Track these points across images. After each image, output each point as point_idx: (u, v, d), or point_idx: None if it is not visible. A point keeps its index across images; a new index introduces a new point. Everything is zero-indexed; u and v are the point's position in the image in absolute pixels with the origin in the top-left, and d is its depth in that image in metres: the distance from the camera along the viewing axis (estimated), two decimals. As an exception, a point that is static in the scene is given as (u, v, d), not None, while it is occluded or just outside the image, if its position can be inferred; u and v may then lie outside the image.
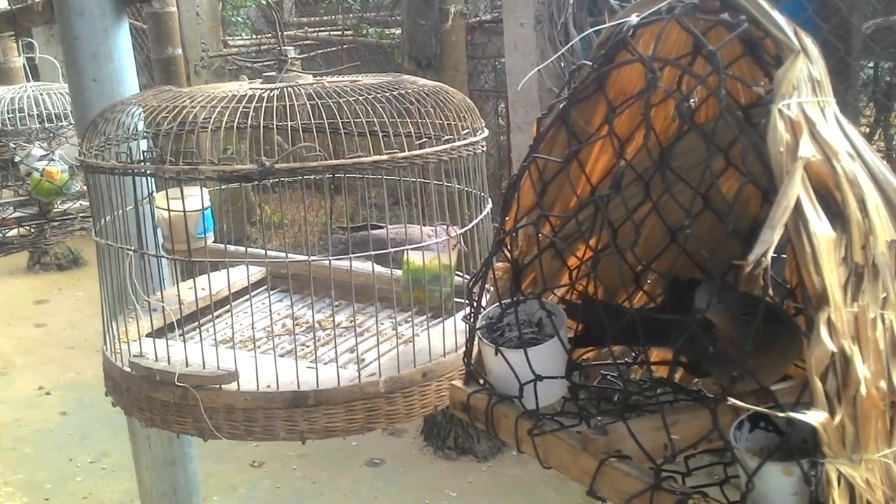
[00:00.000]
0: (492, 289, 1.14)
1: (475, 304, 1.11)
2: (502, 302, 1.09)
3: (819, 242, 0.70)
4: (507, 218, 1.13)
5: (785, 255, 0.83)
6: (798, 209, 0.71)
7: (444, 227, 1.52)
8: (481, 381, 1.10)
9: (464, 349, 1.12)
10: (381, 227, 1.83)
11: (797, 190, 0.71)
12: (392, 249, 1.41)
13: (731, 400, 0.71)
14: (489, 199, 1.55)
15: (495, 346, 1.03)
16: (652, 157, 0.90)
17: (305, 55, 5.28)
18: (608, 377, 1.19)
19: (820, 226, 0.71)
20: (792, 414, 0.69)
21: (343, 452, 3.59)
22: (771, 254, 0.68)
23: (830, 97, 0.81)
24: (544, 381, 1.00)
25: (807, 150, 0.73)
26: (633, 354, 1.21)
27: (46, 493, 3.55)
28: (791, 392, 0.92)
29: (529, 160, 1.08)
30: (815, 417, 0.68)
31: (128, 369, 1.42)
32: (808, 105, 0.77)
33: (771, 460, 0.73)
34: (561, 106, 1.06)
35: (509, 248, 1.12)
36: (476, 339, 1.09)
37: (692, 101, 1.03)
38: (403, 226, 1.67)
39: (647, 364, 1.10)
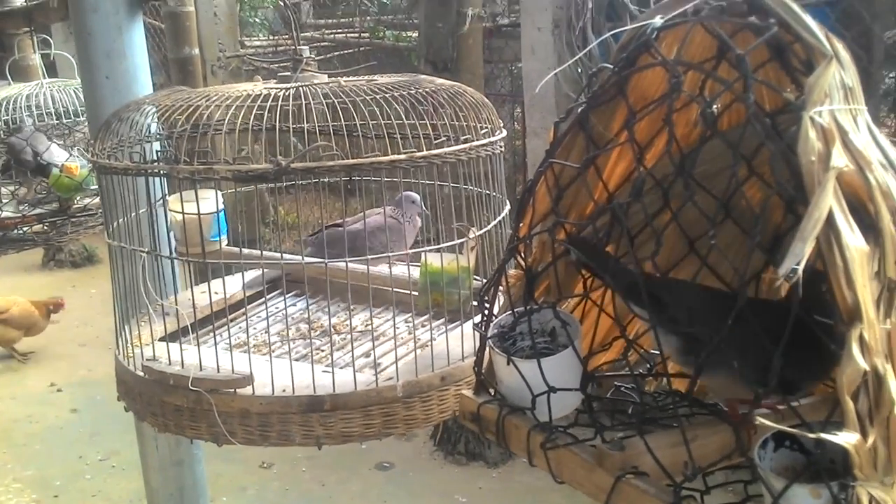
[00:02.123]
0: (504, 296, 1.11)
1: (487, 311, 1.08)
2: (515, 310, 1.07)
3: (852, 256, 0.67)
4: (521, 224, 1.10)
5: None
6: (830, 221, 0.68)
7: (461, 228, 1.50)
8: (492, 392, 1.07)
9: (475, 358, 1.10)
10: (339, 226, 1.79)
11: (829, 201, 0.68)
12: (411, 251, 1.39)
13: (760, 419, 0.68)
14: (507, 201, 1.52)
15: (507, 356, 1.00)
16: (675, 163, 0.87)
17: (322, 57, 5.27)
18: (622, 388, 1.16)
19: (853, 238, 0.68)
20: (823, 435, 0.65)
21: (353, 455, 3.57)
22: (802, 267, 0.65)
23: (862, 105, 0.78)
24: (558, 393, 0.97)
25: (839, 160, 0.70)
26: (649, 366, 1.18)
27: (56, 490, 3.54)
28: (816, 409, 0.89)
29: (546, 165, 1.05)
30: (846, 439, 0.65)
31: (140, 373, 1.40)
32: (840, 113, 0.74)
33: (798, 482, 0.70)
34: (579, 110, 1.03)
35: (523, 255, 1.10)
36: (487, 347, 1.06)
37: (715, 107, 1.00)
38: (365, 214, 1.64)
39: (665, 376, 1.07)
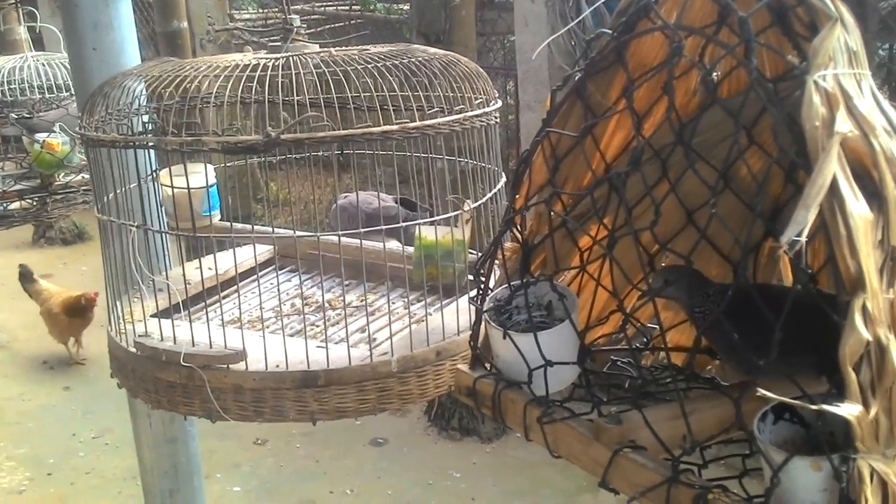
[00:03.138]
0: (500, 270, 1.10)
1: (483, 285, 1.07)
2: (511, 283, 1.05)
3: (855, 224, 0.66)
4: (517, 196, 1.08)
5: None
6: (834, 188, 0.66)
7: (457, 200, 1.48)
8: (488, 366, 1.06)
9: (471, 332, 1.08)
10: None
11: (833, 167, 0.66)
12: (403, 224, 1.36)
13: (761, 391, 0.67)
14: (503, 174, 1.50)
15: (503, 330, 0.99)
16: (675, 132, 0.85)
17: (313, 30, 5.21)
18: (618, 363, 1.15)
19: (857, 206, 0.66)
20: (826, 407, 0.64)
21: (347, 431, 3.57)
22: (805, 235, 0.64)
23: (867, 69, 0.77)
24: (554, 367, 0.96)
25: (843, 125, 0.68)
26: (646, 340, 1.17)
27: (49, 468, 3.54)
28: (817, 380, 0.87)
29: (543, 135, 1.03)
30: (849, 410, 0.64)
31: (133, 350, 1.38)
32: (844, 77, 0.72)
33: (799, 455, 0.69)
34: (577, 78, 1.01)
35: (519, 227, 1.08)
36: (483, 321, 1.05)
37: (715, 74, 0.98)
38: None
39: (664, 349, 1.06)
